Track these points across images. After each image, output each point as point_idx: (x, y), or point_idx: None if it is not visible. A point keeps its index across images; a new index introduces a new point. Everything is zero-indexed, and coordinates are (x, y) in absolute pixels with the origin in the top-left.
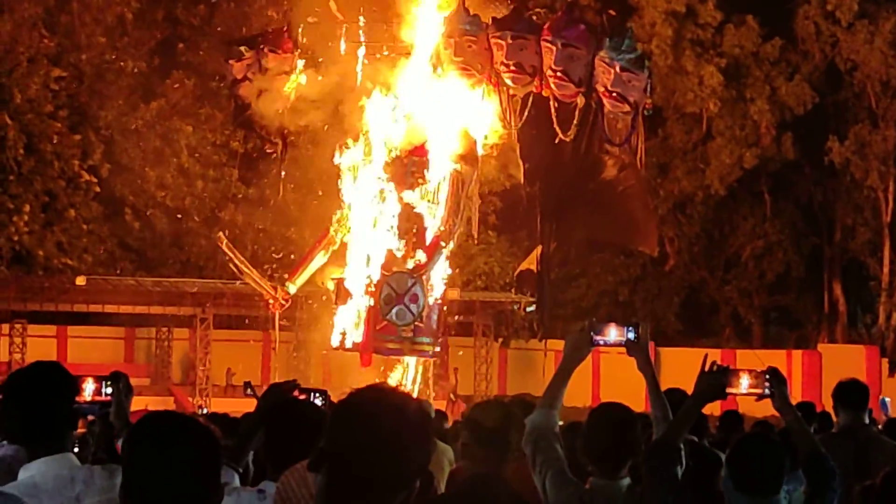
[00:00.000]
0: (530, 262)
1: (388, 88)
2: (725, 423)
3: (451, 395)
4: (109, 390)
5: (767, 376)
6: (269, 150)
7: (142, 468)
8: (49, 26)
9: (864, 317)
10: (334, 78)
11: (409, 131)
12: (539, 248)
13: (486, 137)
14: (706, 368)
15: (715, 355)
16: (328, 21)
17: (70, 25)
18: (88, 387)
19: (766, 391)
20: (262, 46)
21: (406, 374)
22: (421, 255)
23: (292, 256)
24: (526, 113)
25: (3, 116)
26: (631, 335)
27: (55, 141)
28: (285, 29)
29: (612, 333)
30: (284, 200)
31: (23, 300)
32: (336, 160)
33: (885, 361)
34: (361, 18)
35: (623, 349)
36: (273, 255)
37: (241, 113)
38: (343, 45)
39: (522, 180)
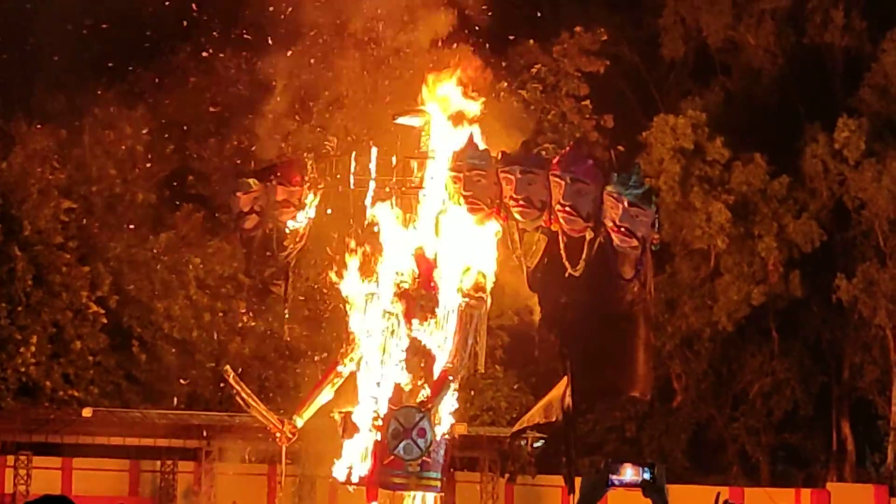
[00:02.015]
0: (546, 415)
1: (397, 222)
2: None
3: None
4: None
5: None
6: (273, 288)
7: None
8: (60, 159)
9: (872, 456)
10: (343, 211)
11: (418, 265)
12: (559, 395)
13: (494, 272)
14: None
15: (723, 493)
16: (337, 155)
17: (81, 158)
18: None
19: None
20: (270, 179)
21: None
22: (429, 390)
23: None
24: (535, 248)
25: (13, 248)
26: (647, 475)
27: (64, 272)
28: (294, 162)
29: (629, 473)
30: (292, 334)
31: (28, 432)
32: (344, 293)
33: (893, 501)
34: (373, 150)
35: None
36: (279, 388)
37: (248, 246)
38: (352, 179)
39: (537, 326)
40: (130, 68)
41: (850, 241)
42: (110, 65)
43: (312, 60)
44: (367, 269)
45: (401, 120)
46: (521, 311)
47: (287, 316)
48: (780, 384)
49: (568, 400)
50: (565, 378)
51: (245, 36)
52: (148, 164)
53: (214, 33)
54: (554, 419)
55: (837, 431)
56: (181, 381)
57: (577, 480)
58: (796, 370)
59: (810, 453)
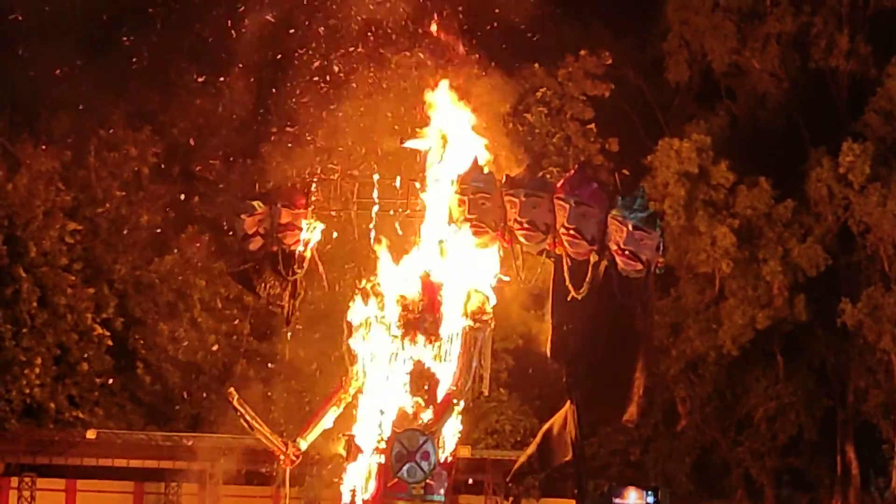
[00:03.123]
0: (558, 457)
1: (401, 244)
2: None
3: None
4: None
5: None
6: (274, 309)
7: None
8: (65, 180)
9: (876, 480)
10: (347, 234)
11: (423, 287)
12: (566, 429)
13: (496, 294)
14: None
15: None
16: (342, 178)
17: (86, 180)
18: None
19: None
20: (275, 202)
21: None
22: (432, 413)
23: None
24: (540, 271)
25: (18, 269)
26: (650, 499)
27: (69, 294)
28: (299, 185)
29: (632, 497)
30: (296, 356)
31: (32, 454)
32: (348, 317)
33: None
34: (375, 176)
35: None
36: (283, 410)
37: (245, 265)
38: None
39: (549, 354)
40: (136, 90)
41: (854, 265)
42: (115, 85)
43: (316, 79)
44: (370, 292)
45: (409, 143)
46: (525, 334)
47: (290, 336)
48: (784, 408)
49: (575, 432)
50: (567, 409)
51: (248, 59)
52: (152, 186)
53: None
54: (567, 458)
55: (842, 456)
56: (185, 403)
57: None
58: (801, 394)
59: (815, 477)
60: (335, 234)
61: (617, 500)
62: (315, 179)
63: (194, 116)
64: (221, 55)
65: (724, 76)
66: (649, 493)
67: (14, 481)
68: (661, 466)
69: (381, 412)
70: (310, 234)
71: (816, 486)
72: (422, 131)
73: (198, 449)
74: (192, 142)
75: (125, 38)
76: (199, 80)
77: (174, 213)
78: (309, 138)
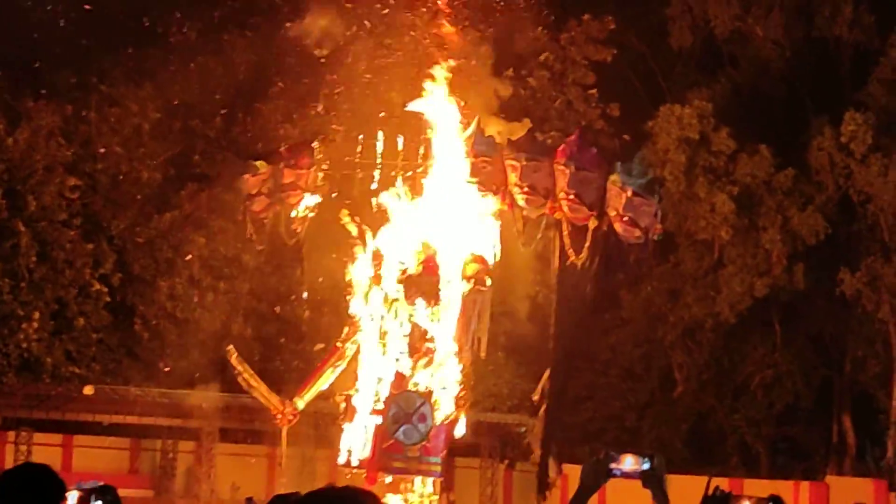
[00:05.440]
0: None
1: (402, 205)
2: None
3: None
4: None
5: (770, 503)
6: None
7: None
8: (66, 135)
9: (872, 450)
10: (349, 195)
11: (423, 250)
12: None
13: (495, 258)
14: (709, 493)
15: (722, 483)
16: (345, 138)
17: (87, 135)
18: (72, 497)
19: None
20: (278, 162)
21: (411, 494)
22: (429, 374)
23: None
24: (539, 236)
25: (17, 223)
26: (647, 466)
27: (68, 249)
28: (301, 145)
29: (629, 462)
30: (296, 315)
31: (29, 408)
32: (348, 276)
33: (893, 495)
34: (380, 134)
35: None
36: (281, 368)
37: (256, 229)
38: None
39: (553, 321)
40: (138, 46)
41: (854, 234)
42: (118, 41)
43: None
44: (370, 253)
45: (413, 106)
46: (525, 298)
47: (306, 296)
48: (781, 376)
49: (547, 395)
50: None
51: (252, 18)
52: (153, 143)
53: (216, 13)
54: (540, 408)
55: (838, 425)
56: (182, 360)
57: (565, 469)
58: (798, 363)
59: (810, 446)
60: (335, 195)
61: (613, 466)
62: (318, 139)
63: (196, 73)
64: (222, 12)
65: (726, 43)
66: (646, 459)
67: (10, 436)
68: (657, 432)
69: (379, 371)
70: (312, 194)
71: (812, 454)
72: (426, 94)
73: (195, 406)
74: (193, 99)
75: None
76: (202, 36)
77: (174, 169)
78: (311, 98)
